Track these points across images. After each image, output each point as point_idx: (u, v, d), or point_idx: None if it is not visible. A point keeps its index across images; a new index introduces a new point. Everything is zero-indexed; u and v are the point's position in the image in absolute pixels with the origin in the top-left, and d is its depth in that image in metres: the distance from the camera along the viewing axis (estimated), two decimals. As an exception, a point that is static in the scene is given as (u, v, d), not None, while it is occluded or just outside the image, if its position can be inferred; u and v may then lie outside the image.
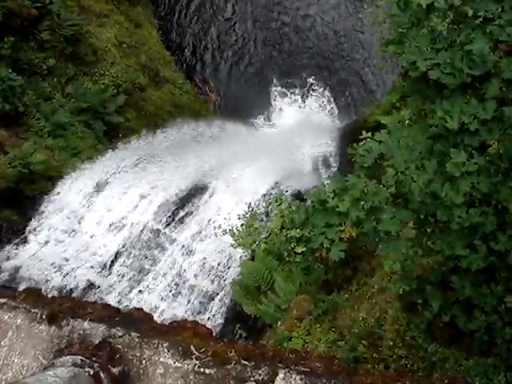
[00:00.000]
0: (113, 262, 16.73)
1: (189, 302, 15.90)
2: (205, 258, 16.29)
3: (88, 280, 16.37)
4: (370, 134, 6.71)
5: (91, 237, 17.22)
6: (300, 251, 10.39)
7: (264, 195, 17.20)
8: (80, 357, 4.13)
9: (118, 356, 4.19)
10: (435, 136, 5.74)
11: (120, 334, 4.32)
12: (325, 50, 25.89)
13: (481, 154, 5.57)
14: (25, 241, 17.10)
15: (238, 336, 13.32)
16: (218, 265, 16.14)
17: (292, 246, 10.45)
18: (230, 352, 4.15)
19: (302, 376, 3.98)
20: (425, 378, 6.74)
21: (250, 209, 13.14)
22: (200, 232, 16.89)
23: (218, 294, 15.76)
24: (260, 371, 4.01)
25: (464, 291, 6.35)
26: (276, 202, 12.40)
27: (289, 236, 10.24)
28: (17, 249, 16.95)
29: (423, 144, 5.80)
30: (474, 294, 6.35)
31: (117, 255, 16.79)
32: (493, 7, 5.54)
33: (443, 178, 5.58)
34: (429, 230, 6.36)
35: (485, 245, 5.84)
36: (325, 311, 10.25)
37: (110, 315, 4.48)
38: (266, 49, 25.93)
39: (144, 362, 4.17)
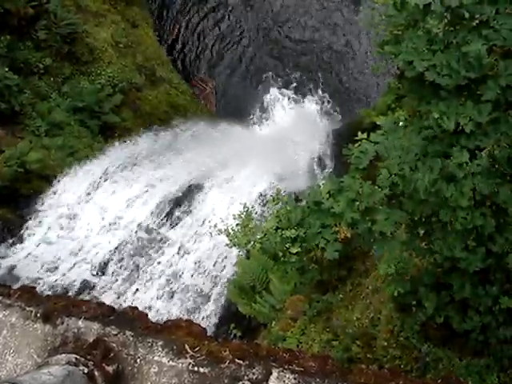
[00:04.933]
0: (108, 261, 16.72)
1: (184, 301, 15.90)
2: (200, 258, 16.31)
3: (83, 279, 16.36)
4: (365, 136, 6.71)
5: (86, 236, 17.22)
6: (295, 251, 10.40)
7: (259, 195, 17.24)
8: (74, 355, 4.12)
9: (112, 354, 4.20)
10: (430, 137, 5.74)
11: (114, 332, 4.32)
12: (322, 52, 25.92)
13: (479, 156, 5.57)
14: (20, 240, 17.07)
15: (232, 335, 13.32)
16: (213, 264, 16.16)
17: (287, 246, 10.46)
18: (225, 351, 4.16)
19: (296, 375, 3.99)
20: (418, 378, 6.76)
21: (246, 209, 13.13)
22: (195, 232, 16.90)
23: (212, 293, 15.78)
24: (254, 370, 4.02)
25: (463, 291, 6.36)
26: (273, 201, 12.41)
27: (284, 236, 10.25)
28: (12, 248, 16.91)
29: (418, 145, 5.80)
30: (471, 295, 6.37)
31: (112, 254, 16.79)
32: (488, 10, 5.54)
33: (443, 179, 5.57)
34: (421, 232, 6.36)
35: (483, 246, 5.85)
36: (319, 311, 10.27)
37: (105, 314, 4.48)
38: (263, 50, 25.96)
39: (138, 360, 4.17)
